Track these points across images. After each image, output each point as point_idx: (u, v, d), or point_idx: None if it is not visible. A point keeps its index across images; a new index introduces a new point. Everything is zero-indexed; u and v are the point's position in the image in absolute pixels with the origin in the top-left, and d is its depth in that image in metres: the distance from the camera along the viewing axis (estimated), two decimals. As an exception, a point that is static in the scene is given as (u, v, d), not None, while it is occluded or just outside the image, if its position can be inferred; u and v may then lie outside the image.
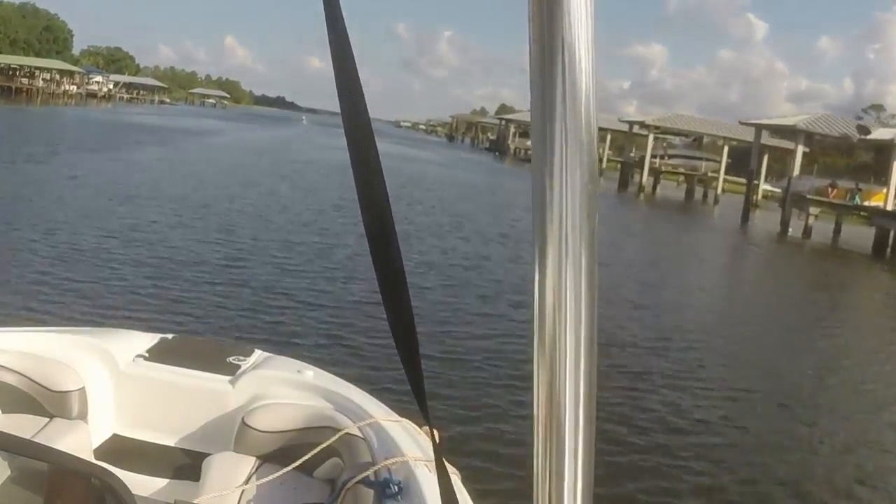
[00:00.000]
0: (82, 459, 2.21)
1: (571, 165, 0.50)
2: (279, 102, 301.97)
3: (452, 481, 0.67)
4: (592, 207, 0.51)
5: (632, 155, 56.77)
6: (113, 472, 2.02)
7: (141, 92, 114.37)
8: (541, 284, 0.52)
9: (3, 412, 2.96)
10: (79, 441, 2.89)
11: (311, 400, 3.11)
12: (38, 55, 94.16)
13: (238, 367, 3.32)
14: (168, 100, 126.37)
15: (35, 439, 2.62)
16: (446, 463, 0.67)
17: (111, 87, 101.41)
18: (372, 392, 3.32)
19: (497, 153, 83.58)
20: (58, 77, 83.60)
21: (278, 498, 2.71)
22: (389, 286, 0.58)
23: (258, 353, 3.53)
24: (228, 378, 3.24)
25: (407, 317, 0.58)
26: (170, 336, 3.63)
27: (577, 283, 0.52)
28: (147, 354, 3.34)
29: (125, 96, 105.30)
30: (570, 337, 0.53)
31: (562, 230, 0.51)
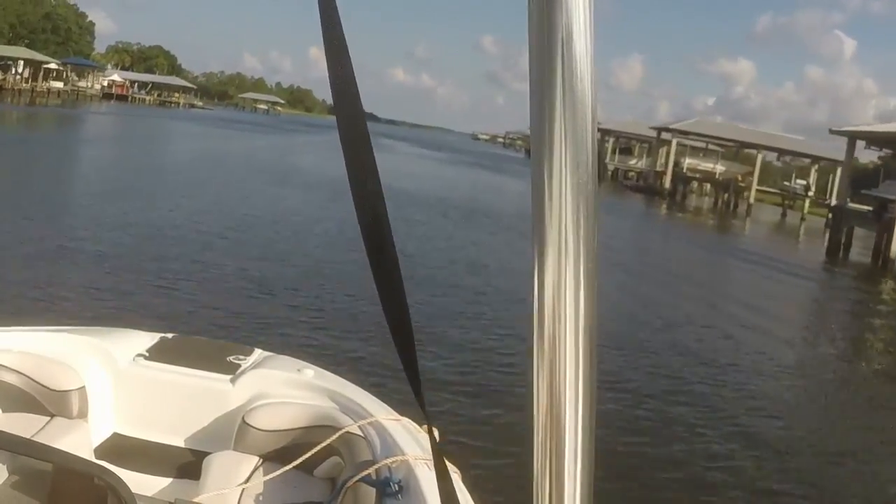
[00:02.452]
0: (83, 459, 2.22)
1: (571, 165, 0.50)
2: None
3: (452, 480, 0.67)
4: (592, 207, 0.52)
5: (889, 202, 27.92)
6: (113, 471, 2.02)
7: (175, 94, 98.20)
8: (540, 285, 0.53)
9: (3, 412, 2.96)
10: (79, 440, 2.89)
11: (312, 399, 3.11)
12: (29, 47, 74.24)
13: (238, 366, 3.32)
14: (199, 103, 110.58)
15: (36, 439, 2.62)
16: (446, 462, 0.67)
17: (104, 84, 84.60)
18: (372, 391, 3.32)
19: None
20: (19, 70, 66.67)
21: (279, 497, 2.72)
22: (385, 284, 0.59)
23: (258, 353, 3.54)
24: (229, 377, 3.24)
25: (403, 315, 0.59)
26: (170, 335, 3.63)
27: (577, 283, 0.52)
28: (147, 354, 3.34)
29: (146, 98, 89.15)
30: (570, 337, 0.53)
31: (562, 230, 0.51)
